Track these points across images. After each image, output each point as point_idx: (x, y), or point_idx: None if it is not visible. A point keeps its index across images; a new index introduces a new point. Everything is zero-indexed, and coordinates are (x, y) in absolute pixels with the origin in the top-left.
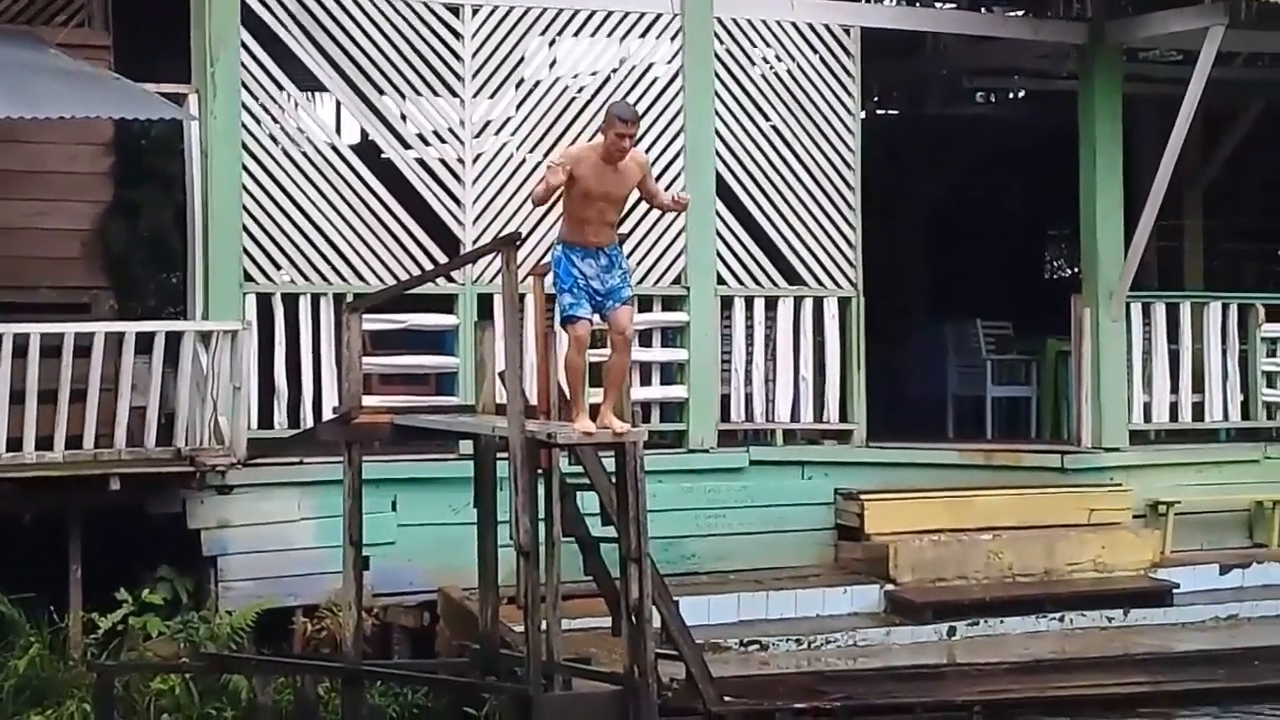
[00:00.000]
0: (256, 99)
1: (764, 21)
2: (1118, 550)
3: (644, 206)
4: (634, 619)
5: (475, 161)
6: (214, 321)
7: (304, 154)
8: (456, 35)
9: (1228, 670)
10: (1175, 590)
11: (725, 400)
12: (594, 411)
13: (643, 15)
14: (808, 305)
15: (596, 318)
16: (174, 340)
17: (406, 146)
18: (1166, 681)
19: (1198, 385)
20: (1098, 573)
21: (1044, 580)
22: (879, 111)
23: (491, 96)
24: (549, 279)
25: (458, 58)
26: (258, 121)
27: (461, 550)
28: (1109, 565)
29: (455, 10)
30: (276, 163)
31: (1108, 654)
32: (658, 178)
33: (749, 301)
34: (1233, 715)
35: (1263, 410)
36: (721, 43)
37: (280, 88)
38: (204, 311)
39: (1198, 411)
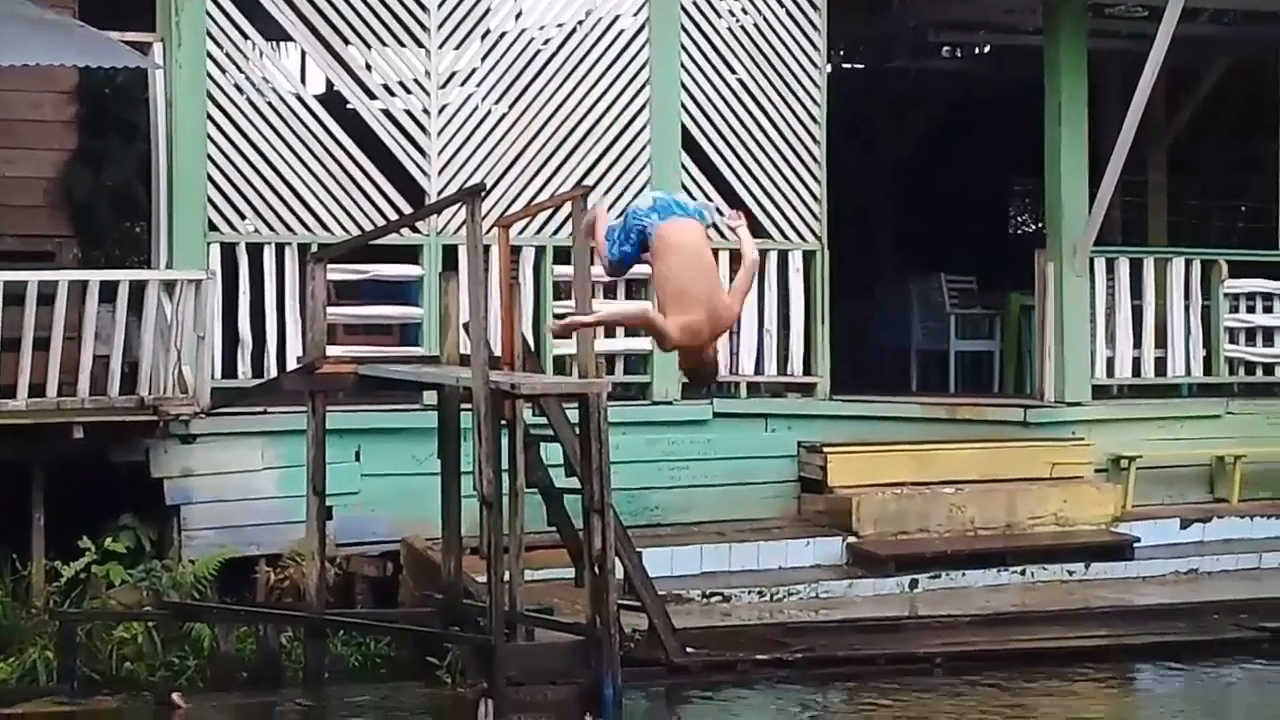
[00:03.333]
0: (221, 48)
1: None
2: (1079, 504)
3: (609, 158)
4: (597, 570)
5: (440, 112)
6: (178, 271)
7: (269, 104)
8: None
9: (1187, 624)
10: (1136, 544)
11: None
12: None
13: None
14: (772, 258)
15: None
16: (138, 289)
17: (372, 97)
18: (1126, 635)
19: (1160, 340)
20: (1059, 526)
21: (1005, 533)
22: (845, 65)
23: (457, 48)
24: (513, 230)
25: (423, 8)
26: (223, 71)
27: (425, 500)
28: (1070, 519)
29: None
30: (241, 112)
31: (1068, 607)
32: (621, 131)
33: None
34: (1192, 668)
35: (1225, 366)
36: None
37: (245, 37)
38: (168, 261)
39: (1160, 366)
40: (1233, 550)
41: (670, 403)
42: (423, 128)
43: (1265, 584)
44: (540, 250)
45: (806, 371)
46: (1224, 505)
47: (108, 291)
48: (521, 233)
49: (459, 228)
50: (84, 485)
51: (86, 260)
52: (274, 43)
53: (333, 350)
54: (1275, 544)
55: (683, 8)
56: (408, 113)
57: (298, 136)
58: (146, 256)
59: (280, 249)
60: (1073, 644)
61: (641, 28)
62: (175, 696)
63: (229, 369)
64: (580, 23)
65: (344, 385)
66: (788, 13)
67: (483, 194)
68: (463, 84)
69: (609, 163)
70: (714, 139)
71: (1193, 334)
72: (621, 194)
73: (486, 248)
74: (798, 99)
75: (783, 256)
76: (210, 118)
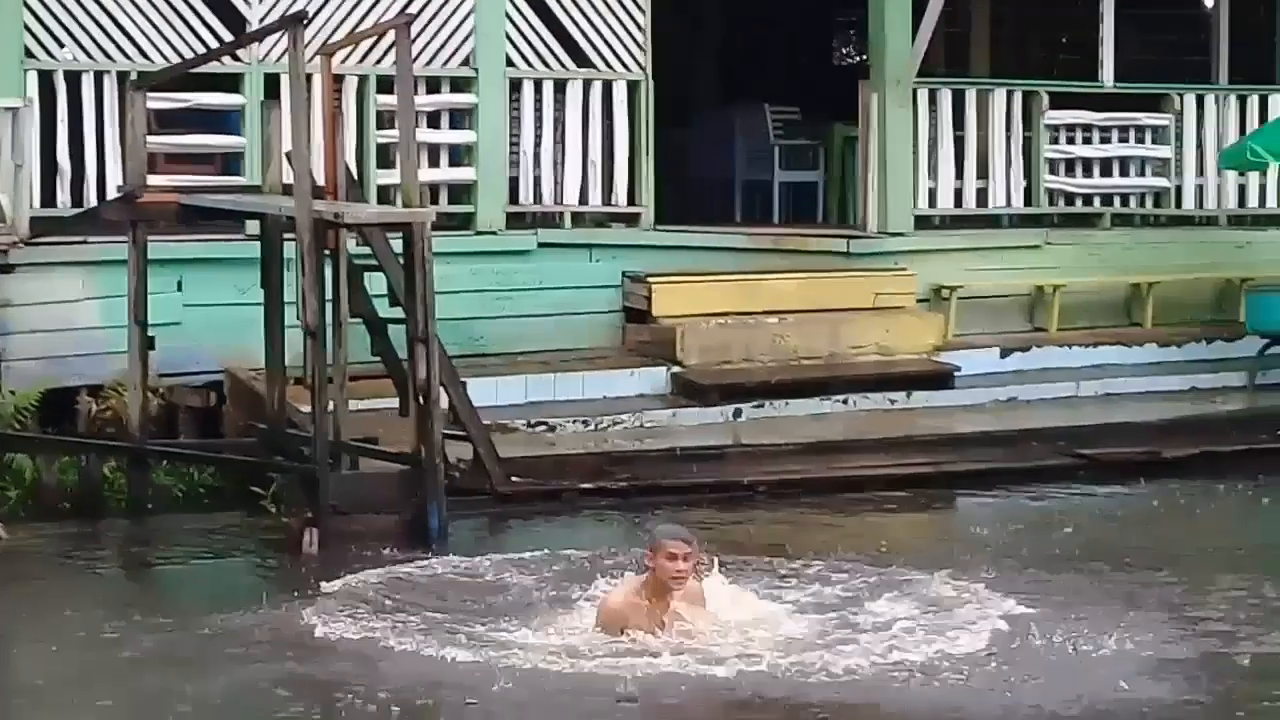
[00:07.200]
0: None
1: None
2: (901, 334)
3: None
4: (421, 400)
5: None
6: None
7: None
8: None
9: (1007, 451)
10: (957, 373)
11: (514, 183)
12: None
13: None
14: (597, 88)
15: None
16: None
17: None
18: (946, 462)
19: (982, 171)
20: (881, 356)
21: (828, 363)
22: None
23: None
24: (336, 58)
25: None
26: None
27: (248, 331)
28: (892, 349)
29: None
30: None
31: (890, 435)
32: None
33: (538, 84)
34: (1011, 494)
35: (1045, 196)
36: None
37: None
38: None
39: (982, 197)
40: (1051, 379)
41: (495, 233)
42: None
43: (1082, 412)
44: (363, 79)
45: (631, 202)
46: (1043, 335)
47: None
48: (344, 61)
49: (281, 56)
50: None
51: None
52: None
53: (154, 180)
54: (1092, 373)
55: None
56: None
57: None
58: None
59: (99, 77)
60: (895, 471)
61: None
62: None
63: (48, 198)
64: None
65: (165, 215)
66: None
67: (305, 21)
68: None
69: None
70: None
71: (1014, 165)
72: (444, 23)
73: (309, 76)
74: None
75: (607, 86)
76: None
